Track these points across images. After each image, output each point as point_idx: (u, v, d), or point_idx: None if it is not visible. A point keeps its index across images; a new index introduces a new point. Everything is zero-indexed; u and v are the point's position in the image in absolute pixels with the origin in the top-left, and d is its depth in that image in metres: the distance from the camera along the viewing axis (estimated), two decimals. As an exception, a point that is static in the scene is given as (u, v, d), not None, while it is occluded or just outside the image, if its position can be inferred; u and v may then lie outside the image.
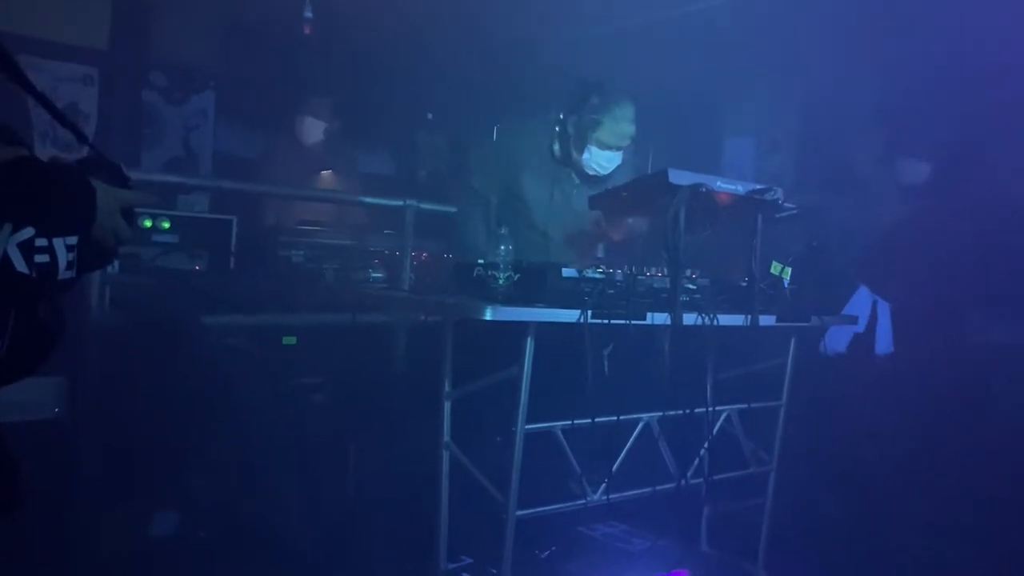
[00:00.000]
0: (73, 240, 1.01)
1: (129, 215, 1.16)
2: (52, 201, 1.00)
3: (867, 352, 3.23)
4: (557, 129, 3.07)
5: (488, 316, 2.16)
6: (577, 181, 3.13)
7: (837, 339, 3.19)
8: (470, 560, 2.89)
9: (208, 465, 2.99)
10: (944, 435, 3.24)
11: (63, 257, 0.99)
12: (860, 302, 3.35)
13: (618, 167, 3.09)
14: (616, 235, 3.17)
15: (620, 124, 2.96)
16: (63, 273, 0.99)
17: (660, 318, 2.40)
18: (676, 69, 4.57)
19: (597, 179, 3.09)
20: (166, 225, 3.08)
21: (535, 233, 3.08)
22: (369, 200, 3.86)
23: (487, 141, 3.26)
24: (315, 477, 3.09)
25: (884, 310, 3.39)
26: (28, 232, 0.95)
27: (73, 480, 2.71)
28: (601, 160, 3.02)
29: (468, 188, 3.16)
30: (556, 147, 3.08)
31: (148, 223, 3.04)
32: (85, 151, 1.23)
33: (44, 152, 1.22)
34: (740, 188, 2.61)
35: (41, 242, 0.96)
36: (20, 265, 0.94)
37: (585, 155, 3.02)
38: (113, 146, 4.37)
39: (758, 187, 2.64)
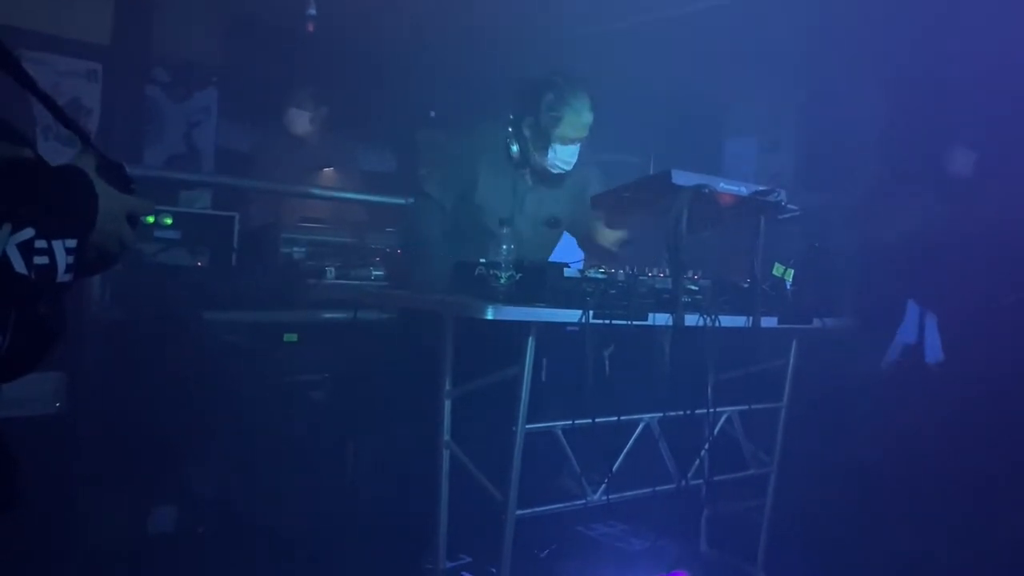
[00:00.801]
0: (72, 243, 1.00)
1: (133, 221, 1.15)
2: (53, 203, 0.99)
3: (918, 362, 3.24)
4: (511, 130, 2.99)
5: (489, 315, 2.16)
6: (530, 183, 3.05)
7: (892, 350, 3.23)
8: (469, 559, 2.89)
9: (208, 461, 2.99)
10: (947, 438, 3.23)
11: (62, 260, 0.98)
12: (910, 317, 3.37)
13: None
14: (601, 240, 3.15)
15: (580, 115, 2.90)
16: (62, 276, 0.98)
17: (662, 319, 2.40)
18: (677, 69, 4.57)
19: (551, 178, 3.02)
20: (168, 221, 3.08)
21: (491, 239, 3.02)
22: (371, 198, 3.86)
23: (444, 149, 3.20)
24: (314, 474, 3.09)
25: (931, 321, 3.40)
26: (28, 233, 0.94)
27: (73, 475, 2.71)
28: (565, 156, 2.95)
29: (422, 194, 3.06)
30: (515, 148, 2.99)
31: (151, 219, 3.04)
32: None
33: (46, 147, 1.21)
34: (743, 189, 2.60)
35: (41, 244, 0.95)
36: (19, 266, 0.93)
37: (549, 154, 2.94)
38: (115, 142, 4.37)
39: (761, 188, 2.64)
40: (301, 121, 4.31)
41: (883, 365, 3.20)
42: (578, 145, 2.97)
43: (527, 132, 2.96)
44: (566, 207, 3.10)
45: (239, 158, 4.98)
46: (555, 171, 3.00)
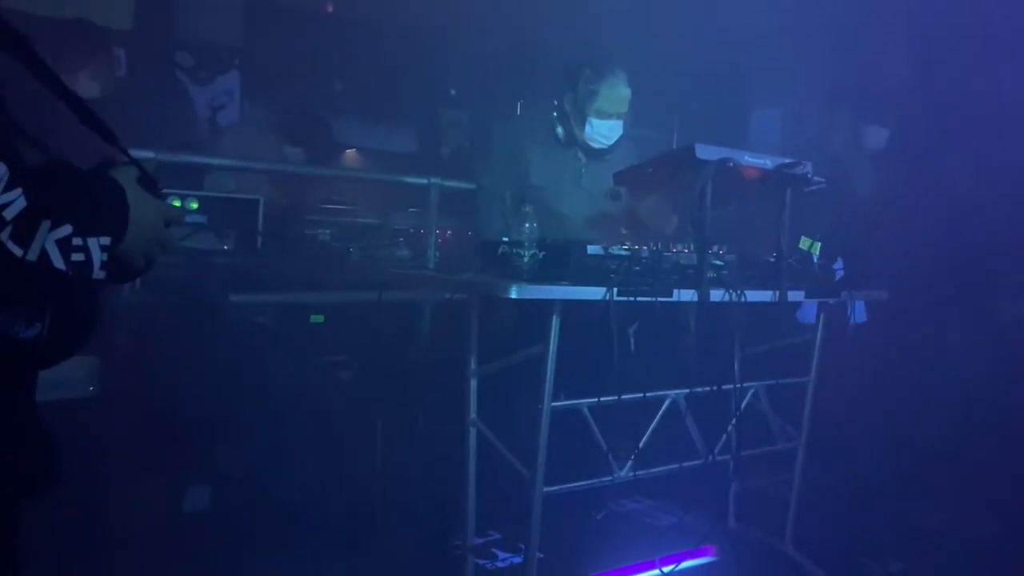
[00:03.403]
0: (107, 241, 1.04)
1: (168, 225, 1.21)
2: (87, 202, 1.04)
3: (841, 323, 3.19)
4: (556, 114, 3.10)
5: (513, 294, 2.16)
6: (584, 160, 3.14)
7: (806, 312, 3.16)
8: (498, 535, 2.92)
9: (240, 441, 3.03)
10: (973, 412, 3.20)
11: (97, 257, 1.02)
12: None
13: (619, 139, 3.09)
14: (646, 220, 3.15)
15: (615, 90, 2.99)
16: (97, 272, 1.03)
17: (687, 295, 2.38)
18: (702, 41, 4.51)
19: (602, 153, 3.10)
20: (194, 205, 3.10)
21: (553, 218, 3.08)
22: (393, 178, 3.86)
23: (493, 139, 3.32)
24: (343, 453, 3.13)
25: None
26: (66, 230, 0.98)
27: (108, 456, 2.77)
28: (603, 130, 3.04)
29: (481, 187, 3.23)
30: (560, 130, 3.11)
31: (177, 203, 3.07)
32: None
33: (72, 133, 1.24)
34: (768, 162, 2.57)
35: (77, 241, 0.99)
36: (58, 261, 0.97)
37: (587, 128, 3.04)
38: (140, 127, 4.39)
39: (786, 161, 2.60)
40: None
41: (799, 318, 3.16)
42: (617, 120, 3.05)
43: (568, 108, 3.07)
44: None
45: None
46: (596, 146, 3.09)
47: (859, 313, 3.22)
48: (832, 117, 3.98)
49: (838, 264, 2.81)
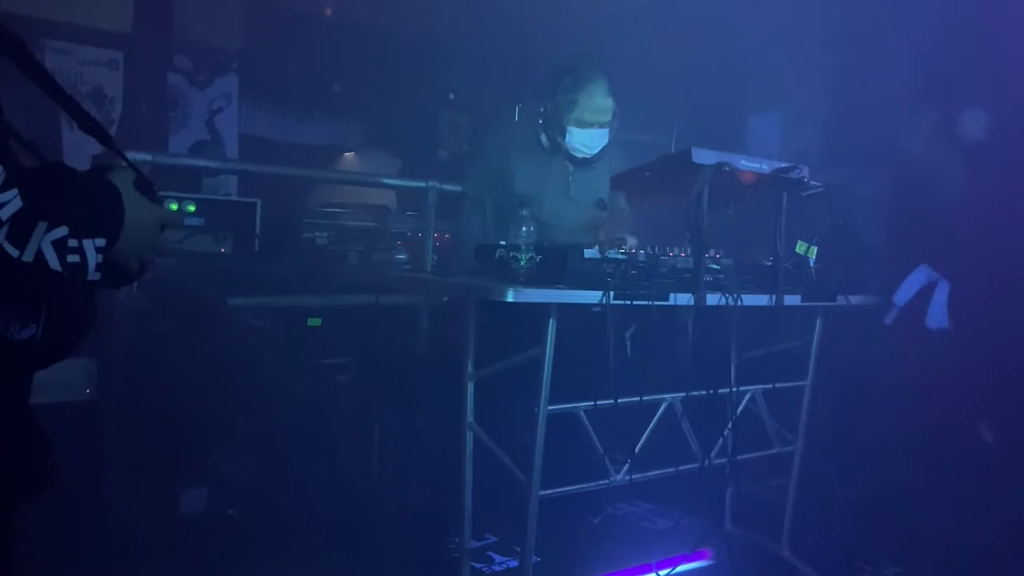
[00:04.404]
0: (102, 242, 1.04)
1: (163, 229, 1.21)
2: (83, 204, 1.04)
3: (917, 325, 3.16)
4: (540, 121, 3.05)
5: (510, 298, 2.16)
6: (571, 168, 3.08)
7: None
8: (495, 538, 2.92)
9: (236, 444, 3.03)
10: (977, 415, 3.18)
11: (92, 258, 1.03)
12: (915, 279, 3.29)
13: (604, 147, 3.04)
14: (621, 229, 3.13)
15: (594, 100, 2.93)
16: (92, 274, 1.03)
17: (683, 298, 2.39)
18: (700, 45, 4.52)
19: (588, 162, 3.05)
20: (191, 208, 3.11)
21: (538, 226, 3.05)
22: (391, 182, 3.87)
23: (480, 146, 3.28)
24: (341, 456, 3.13)
25: (942, 287, 3.32)
26: (62, 231, 0.99)
27: (104, 459, 2.77)
28: (583, 139, 2.98)
29: (464, 194, 3.19)
30: (543, 137, 3.05)
31: (174, 206, 3.08)
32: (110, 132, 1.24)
33: (72, 136, 1.24)
34: (765, 167, 2.57)
35: (73, 243, 1.00)
36: (53, 263, 0.98)
37: (567, 137, 2.98)
38: (139, 129, 4.42)
39: (783, 165, 2.60)
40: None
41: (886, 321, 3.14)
42: (599, 129, 2.99)
43: (549, 116, 3.02)
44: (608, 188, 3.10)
45: (261, 143, 5.02)
46: (578, 155, 3.03)
47: (942, 317, 3.19)
48: (913, 116, 3.88)
49: None
